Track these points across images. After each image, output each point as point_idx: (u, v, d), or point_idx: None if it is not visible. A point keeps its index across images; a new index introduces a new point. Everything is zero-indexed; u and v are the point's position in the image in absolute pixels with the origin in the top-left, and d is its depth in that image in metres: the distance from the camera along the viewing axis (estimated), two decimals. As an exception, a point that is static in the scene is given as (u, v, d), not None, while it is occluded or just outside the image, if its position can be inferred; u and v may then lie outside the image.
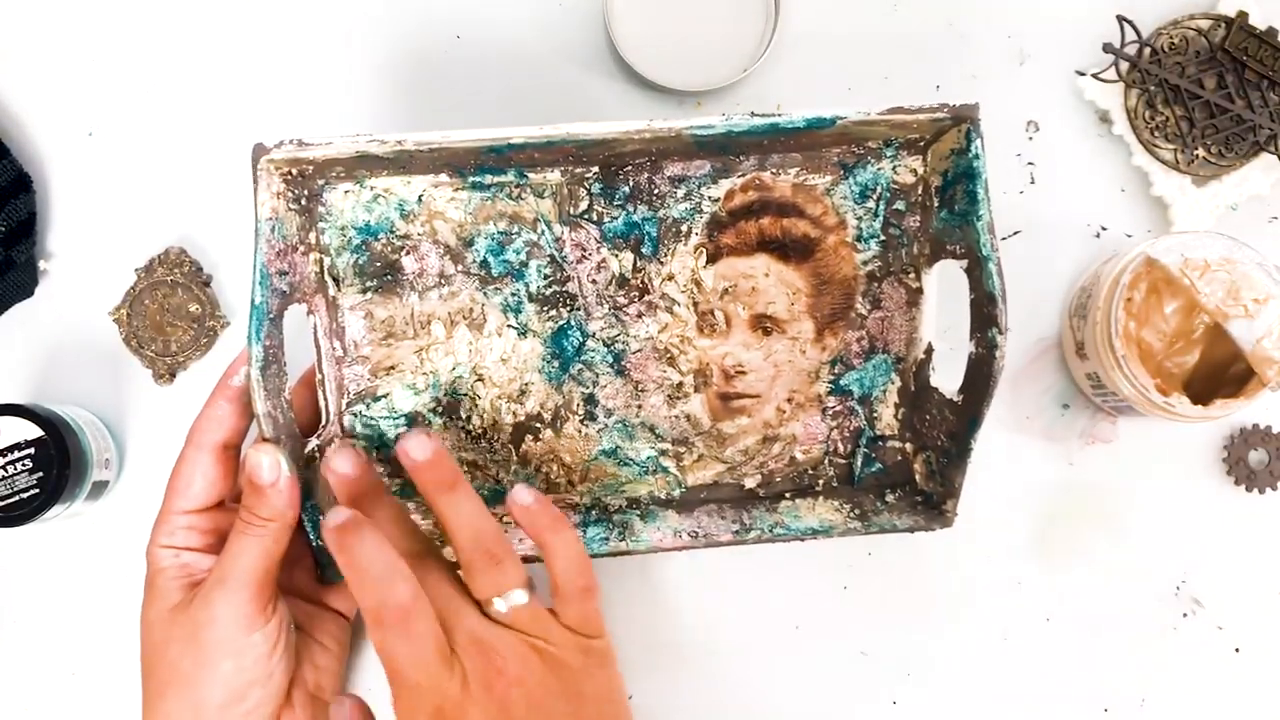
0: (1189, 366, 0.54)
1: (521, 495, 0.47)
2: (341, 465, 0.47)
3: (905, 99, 0.59)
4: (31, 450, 0.52)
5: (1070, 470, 0.58)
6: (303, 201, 0.49)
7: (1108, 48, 0.58)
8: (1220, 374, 0.54)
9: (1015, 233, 0.59)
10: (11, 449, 0.52)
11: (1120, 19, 0.57)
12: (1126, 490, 0.58)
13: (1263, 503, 0.58)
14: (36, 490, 0.52)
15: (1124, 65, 0.58)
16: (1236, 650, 0.58)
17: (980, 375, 0.48)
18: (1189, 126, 0.58)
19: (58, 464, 0.52)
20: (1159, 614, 0.58)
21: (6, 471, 0.52)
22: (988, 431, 0.49)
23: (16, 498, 0.52)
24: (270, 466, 0.44)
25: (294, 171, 0.48)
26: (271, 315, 0.46)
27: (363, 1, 0.59)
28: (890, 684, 0.57)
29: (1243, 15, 0.57)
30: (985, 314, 0.47)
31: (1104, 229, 0.59)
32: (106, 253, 0.58)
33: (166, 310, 0.57)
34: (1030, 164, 0.59)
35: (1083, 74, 0.59)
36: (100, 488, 0.56)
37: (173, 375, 0.57)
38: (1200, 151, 0.58)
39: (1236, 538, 0.58)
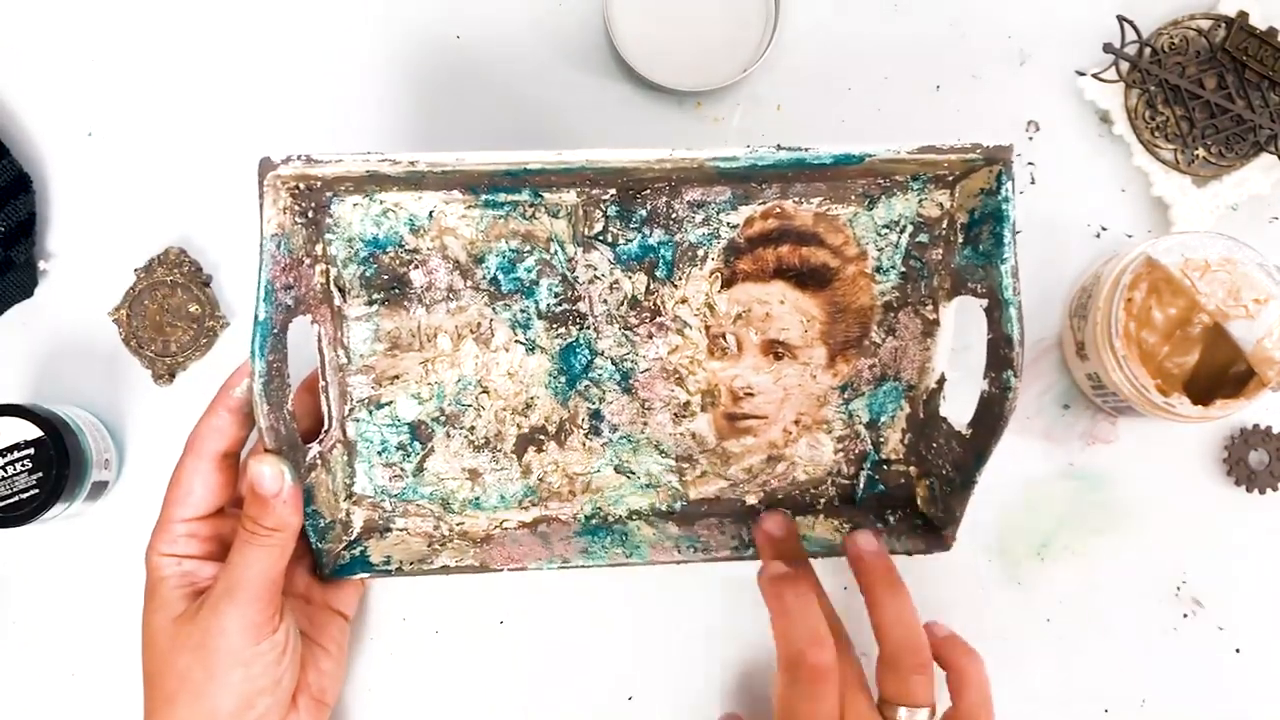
0: (1189, 367, 0.54)
1: (866, 541, 0.50)
2: (772, 527, 0.51)
3: (906, 99, 0.59)
4: (31, 450, 0.52)
5: (1070, 470, 0.58)
6: (310, 214, 0.48)
7: (1108, 48, 0.57)
8: (1220, 374, 0.54)
9: (1016, 233, 0.59)
10: (11, 449, 0.52)
11: (1120, 19, 0.57)
12: (1126, 490, 0.58)
13: (1263, 503, 0.58)
14: (36, 490, 0.52)
15: (1124, 65, 0.58)
16: (1237, 651, 0.58)
17: (991, 414, 0.47)
18: (1189, 126, 0.58)
19: (57, 464, 0.52)
20: (1159, 614, 0.58)
21: (6, 472, 0.52)
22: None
23: (16, 498, 0.52)
24: (273, 477, 0.44)
25: (301, 186, 0.47)
26: (275, 330, 0.45)
27: (362, 1, 0.59)
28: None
29: (1243, 15, 0.57)
30: (1002, 356, 0.46)
31: (1104, 229, 0.59)
32: (106, 253, 0.58)
33: (166, 310, 0.57)
34: (1030, 164, 0.59)
35: (1083, 74, 0.59)
36: (100, 488, 0.56)
37: (172, 376, 0.57)
38: (1200, 151, 0.58)
39: (1237, 538, 0.58)
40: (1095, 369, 0.55)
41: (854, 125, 0.59)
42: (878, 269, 0.52)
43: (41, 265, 0.58)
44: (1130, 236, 0.59)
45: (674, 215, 0.51)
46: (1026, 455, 0.58)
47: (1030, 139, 0.59)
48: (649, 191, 0.50)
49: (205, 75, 0.59)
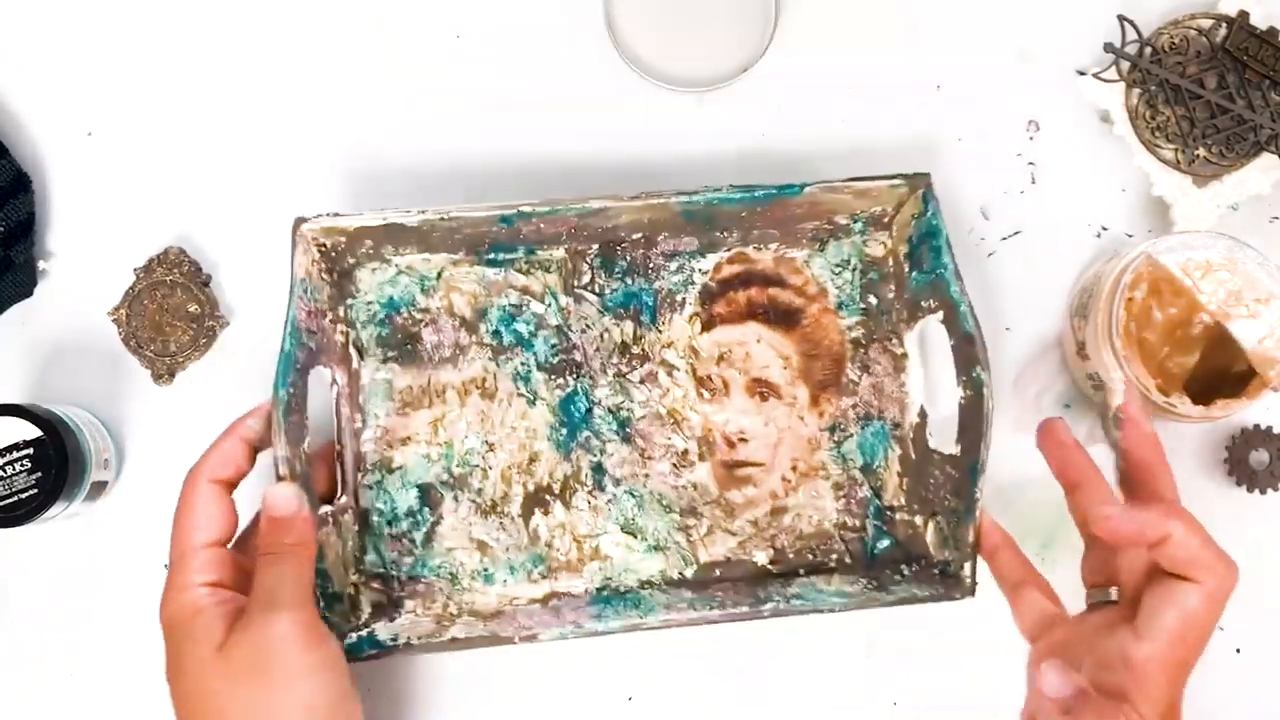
0: (1190, 367, 0.54)
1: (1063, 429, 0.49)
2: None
3: (906, 98, 0.59)
4: (30, 450, 0.52)
5: (1071, 471, 0.58)
6: (334, 275, 0.54)
7: (1108, 47, 0.57)
8: (1222, 374, 0.54)
9: (1015, 233, 0.59)
10: (10, 449, 0.52)
11: (1121, 18, 0.57)
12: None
13: (1264, 503, 0.58)
14: (35, 490, 0.52)
15: (1125, 65, 0.58)
16: (1238, 651, 0.58)
17: (974, 418, 0.49)
18: (1190, 126, 0.58)
19: (56, 464, 0.52)
20: (1160, 615, 0.58)
21: (5, 472, 0.52)
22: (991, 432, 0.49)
23: (15, 498, 0.52)
24: (289, 498, 0.45)
25: (328, 244, 0.52)
26: (299, 365, 0.48)
27: (361, 0, 0.59)
28: (891, 684, 0.57)
29: (1244, 15, 0.57)
30: (967, 355, 0.50)
31: (1105, 229, 0.59)
32: (105, 253, 0.58)
33: (165, 310, 0.57)
34: (1031, 164, 0.59)
35: (1083, 73, 0.59)
36: (99, 488, 0.56)
37: (172, 375, 0.57)
38: (1201, 151, 0.58)
39: (1238, 539, 0.58)
40: (1096, 369, 0.55)
41: (854, 125, 0.59)
42: (839, 305, 0.56)
43: (41, 265, 0.58)
44: (1131, 236, 0.59)
45: (651, 264, 0.56)
46: (1027, 455, 0.58)
47: (1030, 138, 0.59)
48: (627, 244, 0.55)
49: (204, 75, 0.59)
